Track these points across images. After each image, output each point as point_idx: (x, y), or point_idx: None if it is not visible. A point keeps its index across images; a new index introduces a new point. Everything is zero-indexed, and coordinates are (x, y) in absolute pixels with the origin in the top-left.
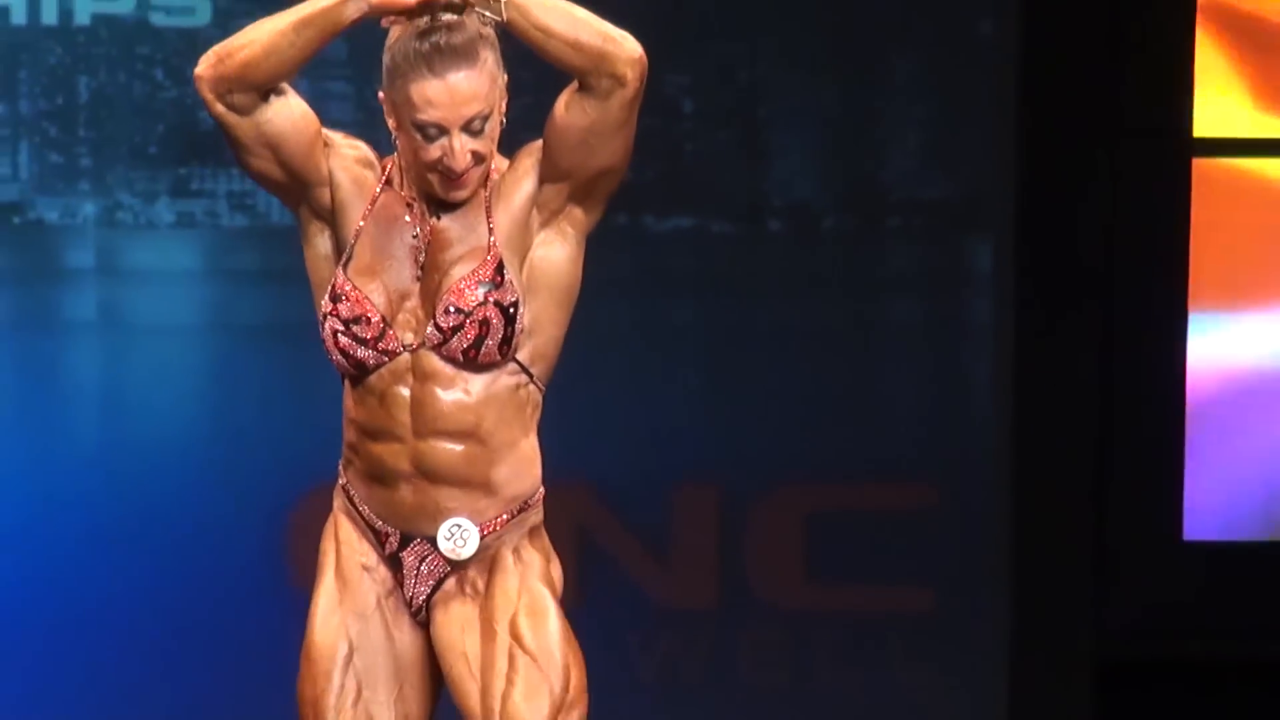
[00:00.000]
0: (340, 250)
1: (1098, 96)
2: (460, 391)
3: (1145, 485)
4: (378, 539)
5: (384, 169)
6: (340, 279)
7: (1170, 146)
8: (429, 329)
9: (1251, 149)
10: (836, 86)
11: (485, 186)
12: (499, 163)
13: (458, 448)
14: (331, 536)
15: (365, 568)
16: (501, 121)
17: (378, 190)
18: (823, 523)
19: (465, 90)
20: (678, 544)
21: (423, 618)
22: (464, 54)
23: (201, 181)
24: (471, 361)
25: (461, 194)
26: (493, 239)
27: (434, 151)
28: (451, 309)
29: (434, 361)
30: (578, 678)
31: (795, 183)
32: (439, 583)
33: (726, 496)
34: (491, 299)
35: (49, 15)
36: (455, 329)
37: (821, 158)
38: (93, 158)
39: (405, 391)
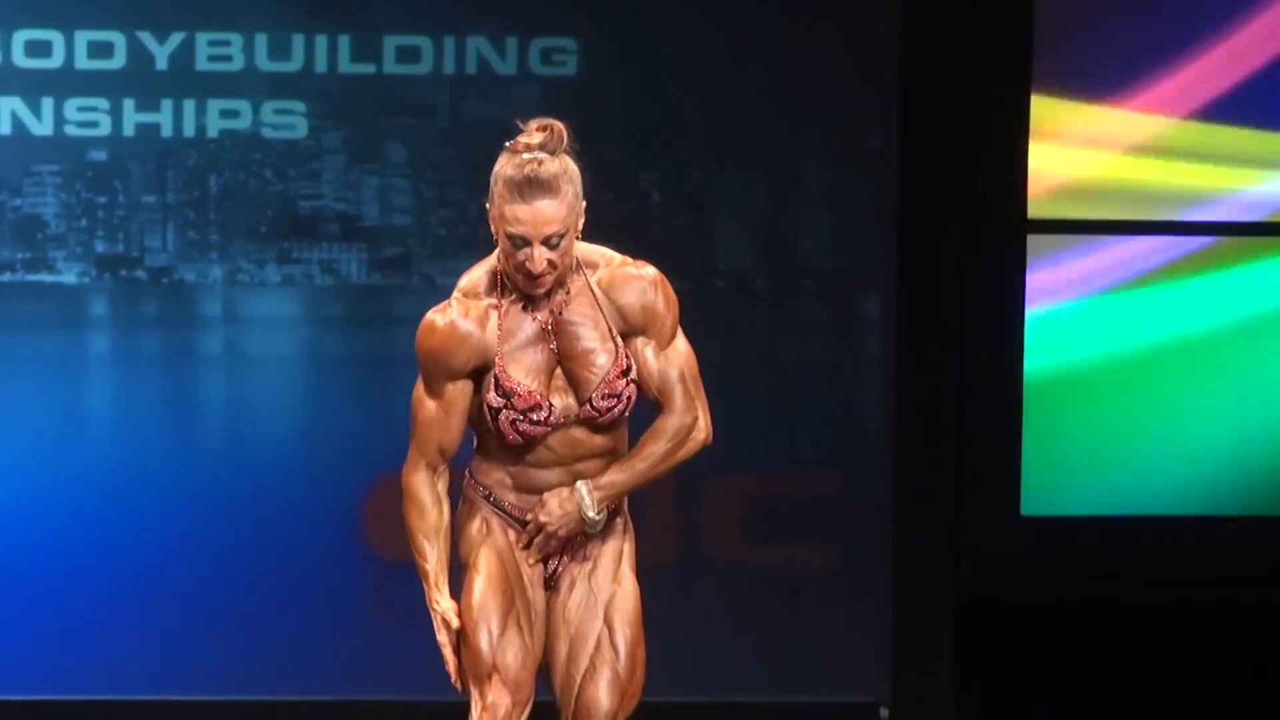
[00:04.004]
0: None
1: (955, 191)
2: (603, 431)
3: (991, 474)
4: (521, 526)
5: (473, 290)
6: (507, 379)
7: (1009, 226)
8: (587, 407)
9: (1074, 228)
10: (764, 184)
11: (588, 278)
12: (592, 254)
13: (600, 461)
14: (481, 526)
15: (508, 547)
16: (577, 235)
17: (498, 315)
18: (755, 500)
19: (546, 214)
20: (650, 515)
21: (551, 583)
22: (549, 186)
23: (299, 252)
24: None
25: (538, 291)
26: (616, 339)
27: (520, 256)
28: (607, 395)
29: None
30: (640, 674)
31: (735, 253)
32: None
33: (685, 481)
34: (629, 380)
35: (189, 130)
36: (609, 408)
37: (754, 235)
38: (220, 235)
39: (562, 434)
